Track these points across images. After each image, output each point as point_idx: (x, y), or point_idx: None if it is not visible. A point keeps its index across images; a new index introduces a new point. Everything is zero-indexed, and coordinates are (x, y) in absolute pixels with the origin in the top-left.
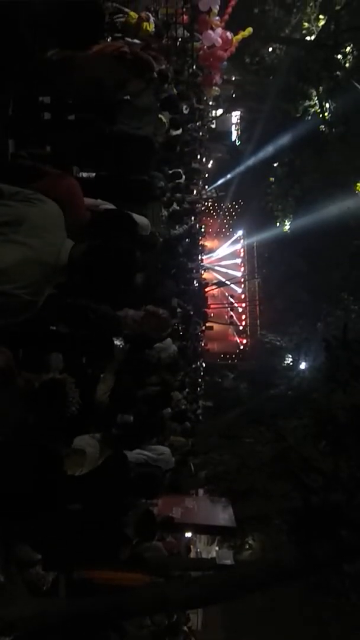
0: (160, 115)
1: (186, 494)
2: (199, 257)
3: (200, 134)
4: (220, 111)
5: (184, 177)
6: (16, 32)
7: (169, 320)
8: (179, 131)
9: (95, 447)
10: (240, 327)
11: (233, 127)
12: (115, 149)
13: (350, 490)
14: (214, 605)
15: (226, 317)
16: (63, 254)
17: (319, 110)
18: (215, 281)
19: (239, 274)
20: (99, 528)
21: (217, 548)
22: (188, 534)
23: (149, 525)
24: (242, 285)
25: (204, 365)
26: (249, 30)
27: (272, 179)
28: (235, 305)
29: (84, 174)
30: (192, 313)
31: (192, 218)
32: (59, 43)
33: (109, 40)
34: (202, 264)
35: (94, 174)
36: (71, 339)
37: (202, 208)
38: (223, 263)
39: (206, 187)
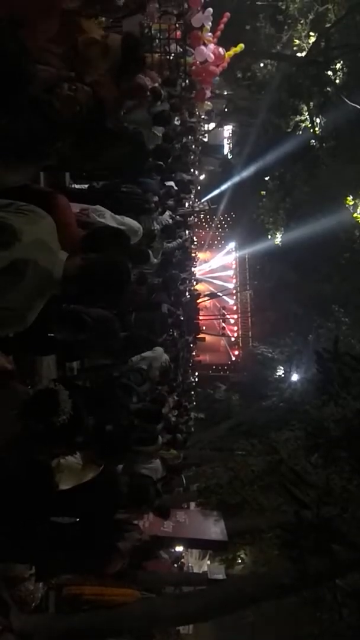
0: (153, 130)
1: (178, 508)
2: (192, 269)
3: (193, 147)
4: (212, 125)
5: (175, 188)
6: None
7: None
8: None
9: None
10: (232, 339)
11: (225, 140)
12: (107, 143)
13: (342, 504)
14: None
15: (218, 328)
16: (57, 268)
17: (309, 125)
18: (207, 293)
19: (231, 285)
20: (91, 539)
21: (208, 562)
22: (179, 548)
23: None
24: (234, 297)
25: (196, 376)
26: (241, 46)
27: (263, 192)
28: (227, 316)
29: (77, 186)
30: (182, 319)
31: (186, 231)
32: None
33: None
34: (194, 275)
35: (86, 186)
36: (68, 343)
37: (195, 220)
38: (215, 275)
39: (196, 200)
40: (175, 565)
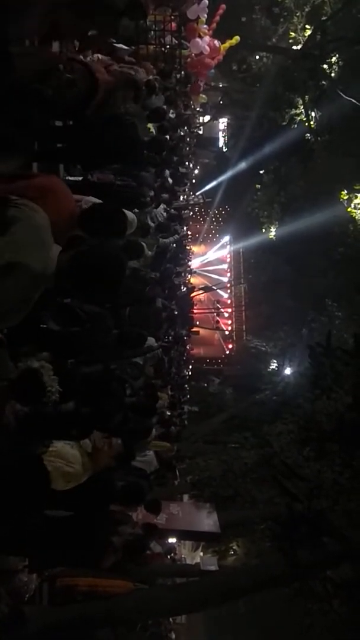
0: (148, 125)
1: (171, 500)
2: (186, 262)
3: (188, 140)
4: (207, 118)
5: (170, 181)
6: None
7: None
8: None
9: (78, 462)
10: (227, 332)
11: (220, 133)
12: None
13: (333, 496)
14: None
15: (212, 322)
16: (51, 262)
17: (304, 119)
18: (201, 286)
19: (225, 279)
20: (84, 533)
21: (201, 554)
22: (172, 540)
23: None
24: (229, 291)
25: (190, 370)
26: (237, 38)
27: (258, 185)
28: (222, 310)
29: (71, 178)
30: (177, 313)
31: (184, 228)
32: None
33: None
34: (188, 268)
35: (80, 178)
36: (62, 335)
37: (189, 214)
38: (209, 268)
39: (191, 193)
40: (169, 556)
